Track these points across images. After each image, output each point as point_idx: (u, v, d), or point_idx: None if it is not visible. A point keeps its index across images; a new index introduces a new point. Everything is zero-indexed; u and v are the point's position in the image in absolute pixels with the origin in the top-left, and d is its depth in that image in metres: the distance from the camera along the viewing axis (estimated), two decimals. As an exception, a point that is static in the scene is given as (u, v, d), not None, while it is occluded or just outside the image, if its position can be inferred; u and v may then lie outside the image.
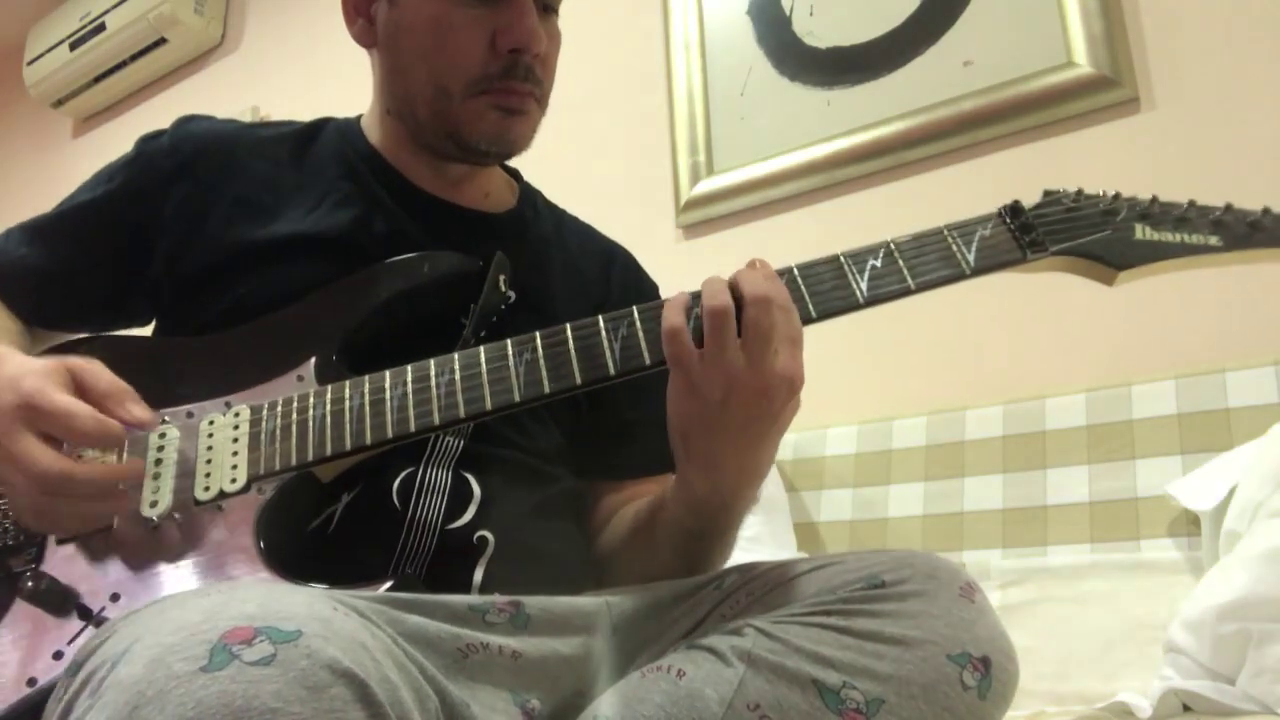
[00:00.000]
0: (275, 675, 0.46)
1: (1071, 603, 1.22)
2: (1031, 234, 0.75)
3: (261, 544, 0.72)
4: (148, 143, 0.94)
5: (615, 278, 1.03)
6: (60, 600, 0.71)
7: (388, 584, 0.70)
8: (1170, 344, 1.41)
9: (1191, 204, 0.76)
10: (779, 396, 0.70)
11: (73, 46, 3.04)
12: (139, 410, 0.74)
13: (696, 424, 0.72)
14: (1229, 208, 0.75)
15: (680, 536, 0.81)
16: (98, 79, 3.10)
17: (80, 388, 0.74)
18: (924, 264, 0.75)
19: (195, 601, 0.52)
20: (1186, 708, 0.96)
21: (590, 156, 2.10)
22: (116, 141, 0.92)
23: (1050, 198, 0.78)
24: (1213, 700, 0.93)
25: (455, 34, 0.86)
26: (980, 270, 0.75)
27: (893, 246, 0.76)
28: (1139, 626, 1.16)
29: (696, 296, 0.73)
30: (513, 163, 1.06)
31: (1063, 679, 1.17)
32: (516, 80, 0.87)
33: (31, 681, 0.69)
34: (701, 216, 1.94)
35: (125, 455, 0.76)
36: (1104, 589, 1.21)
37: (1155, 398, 1.32)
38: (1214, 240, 0.74)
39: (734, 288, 0.71)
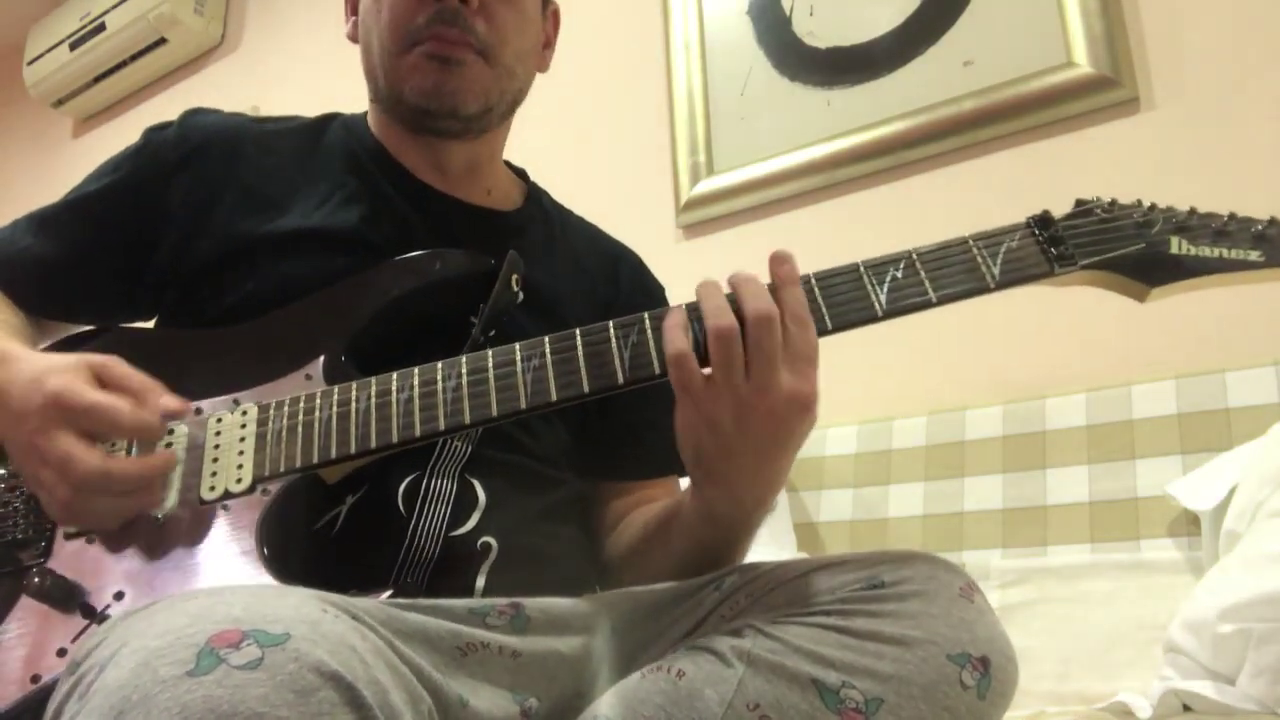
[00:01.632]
0: (262, 679, 0.46)
1: (1071, 603, 1.22)
2: (1061, 246, 0.72)
3: (264, 547, 0.72)
4: (155, 133, 0.94)
5: (622, 279, 1.02)
6: (65, 597, 0.71)
7: (387, 594, 0.70)
8: (1170, 344, 1.41)
9: (1233, 216, 0.72)
10: (791, 418, 0.68)
11: (73, 46, 3.04)
12: (172, 401, 0.74)
13: (709, 448, 0.71)
14: (1274, 220, 0.72)
15: (695, 546, 0.81)
16: (98, 79, 3.10)
17: (106, 385, 0.73)
18: (947, 276, 0.72)
19: (183, 604, 0.51)
20: (1186, 708, 0.96)
21: (590, 156, 2.10)
22: (116, 141, 0.92)
23: (1082, 208, 0.75)
24: (1213, 700, 0.93)
25: None
26: (1005, 284, 0.72)
27: (914, 257, 0.73)
28: (1139, 626, 1.16)
29: (694, 309, 0.71)
30: (512, 160, 1.06)
31: (1063, 679, 1.17)
32: (443, 25, 0.86)
33: (36, 678, 0.69)
34: (701, 216, 1.94)
35: (158, 447, 0.75)
36: (1104, 589, 1.21)
37: (1155, 398, 1.32)
38: (1255, 255, 0.71)
39: (733, 303, 0.68)
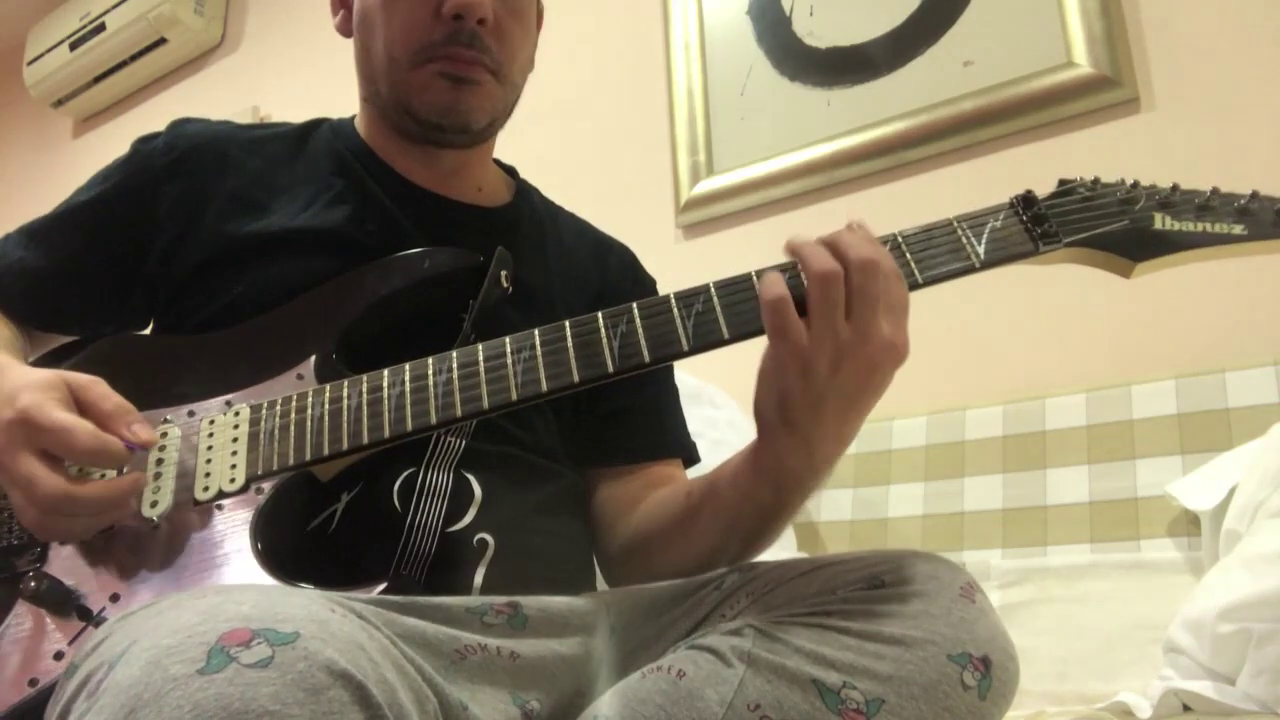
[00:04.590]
0: (273, 677, 0.46)
1: (1071, 603, 1.22)
2: (1044, 225, 0.73)
3: (259, 545, 0.72)
4: (143, 143, 0.94)
5: (612, 271, 1.02)
6: (61, 600, 0.71)
7: (383, 585, 0.70)
8: (1170, 344, 1.41)
9: (1215, 191, 0.73)
10: (886, 366, 0.68)
11: (73, 46, 3.04)
12: (143, 430, 0.73)
13: (800, 397, 0.70)
14: (1255, 195, 0.72)
15: (751, 513, 0.79)
16: (98, 79, 3.10)
17: (81, 406, 0.73)
18: (932, 257, 0.73)
19: (192, 603, 0.51)
20: (1186, 708, 0.96)
21: (590, 157, 2.09)
22: (116, 141, 0.92)
23: (1065, 186, 0.75)
24: (1213, 700, 0.93)
25: (403, 3, 0.87)
26: (990, 263, 0.72)
27: (900, 239, 0.74)
28: (1139, 626, 1.15)
29: (786, 268, 0.71)
30: (512, 161, 1.06)
31: (1063, 679, 1.17)
32: (460, 46, 0.87)
33: (33, 682, 0.69)
34: (701, 216, 1.94)
35: (127, 468, 0.75)
36: (1104, 589, 1.21)
37: (1155, 398, 1.32)
38: (1238, 229, 0.71)
39: (834, 251, 0.69)
